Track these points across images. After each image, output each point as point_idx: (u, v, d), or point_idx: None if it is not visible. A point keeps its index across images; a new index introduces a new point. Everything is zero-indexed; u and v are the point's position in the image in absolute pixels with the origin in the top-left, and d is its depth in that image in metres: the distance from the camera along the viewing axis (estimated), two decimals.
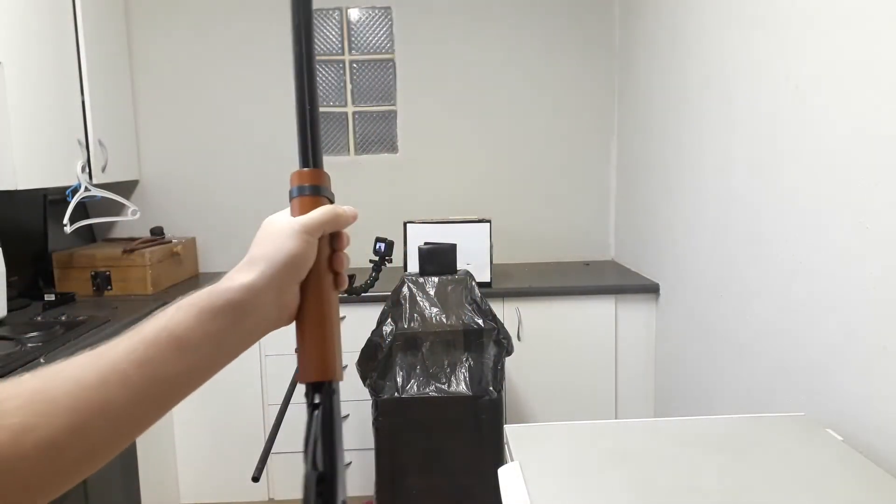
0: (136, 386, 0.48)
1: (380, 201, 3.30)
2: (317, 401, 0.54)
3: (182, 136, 3.29)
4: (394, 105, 3.31)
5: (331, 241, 0.58)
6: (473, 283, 2.47)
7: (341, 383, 0.56)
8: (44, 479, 0.46)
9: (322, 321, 0.56)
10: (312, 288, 0.56)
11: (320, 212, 0.57)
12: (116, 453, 0.50)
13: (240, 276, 0.54)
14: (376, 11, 3.26)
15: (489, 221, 2.86)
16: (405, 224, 2.82)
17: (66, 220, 2.62)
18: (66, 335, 2.12)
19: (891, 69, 1.33)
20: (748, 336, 1.97)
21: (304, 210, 0.57)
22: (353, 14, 3.26)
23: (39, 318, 2.41)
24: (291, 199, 0.58)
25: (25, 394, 0.46)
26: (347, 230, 0.60)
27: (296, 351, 0.56)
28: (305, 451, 0.52)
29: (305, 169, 0.58)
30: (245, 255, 0.56)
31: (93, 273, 2.78)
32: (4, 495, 0.44)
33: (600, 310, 2.83)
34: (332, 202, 0.59)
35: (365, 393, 2.37)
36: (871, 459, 1.27)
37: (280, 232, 0.56)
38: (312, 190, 0.58)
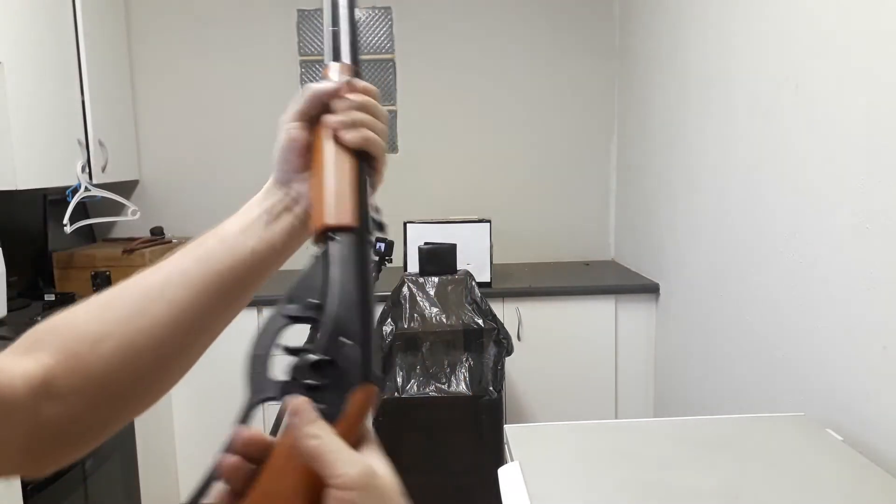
0: (194, 279, 0.53)
1: (379, 201, 3.29)
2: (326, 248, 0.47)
3: (182, 136, 3.29)
4: (394, 105, 3.31)
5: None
6: (473, 283, 2.47)
7: None
8: (126, 384, 0.50)
9: (317, 169, 0.54)
10: (312, 156, 0.56)
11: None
12: (190, 364, 0.54)
13: (257, 196, 0.59)
14: (376, 11, 3.26)
15: (489, 221, 2.86)
16: (405, 224, 2.82)
17: (66, 220, 2.62)
18: None
19: (891, 69, 1.33)
20: (748, 336, 1.97)
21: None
22: None
23: (39, 319, 2.40)
24: None
25: (96, 308, 0.51)
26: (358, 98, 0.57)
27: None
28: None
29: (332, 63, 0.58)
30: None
31: (93, 273, 2.77)
32: (94, 402, 0.49)
33: (600, 310, 2.83)
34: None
35: None
36: (871, 459, 1.27)
37: None
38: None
